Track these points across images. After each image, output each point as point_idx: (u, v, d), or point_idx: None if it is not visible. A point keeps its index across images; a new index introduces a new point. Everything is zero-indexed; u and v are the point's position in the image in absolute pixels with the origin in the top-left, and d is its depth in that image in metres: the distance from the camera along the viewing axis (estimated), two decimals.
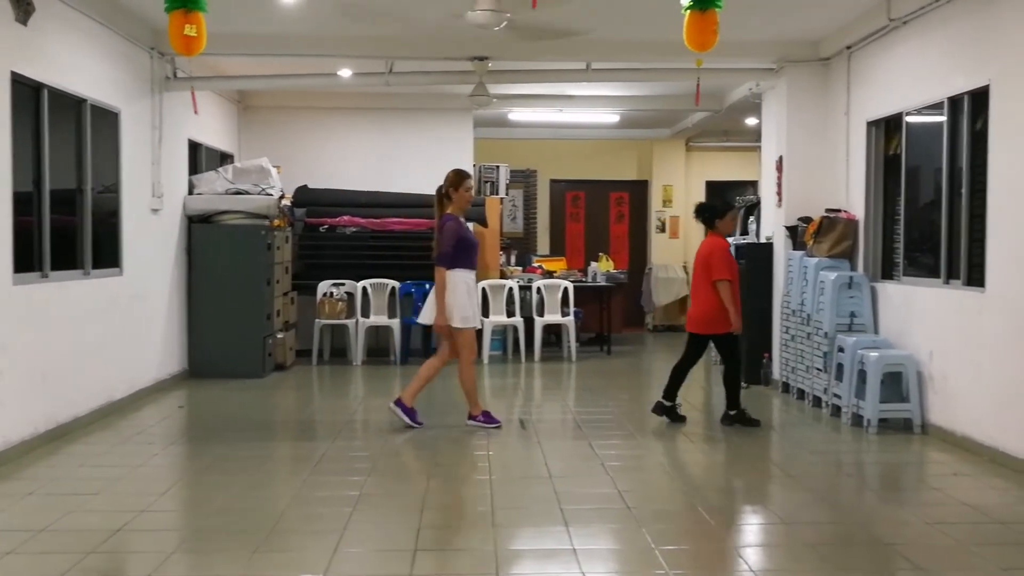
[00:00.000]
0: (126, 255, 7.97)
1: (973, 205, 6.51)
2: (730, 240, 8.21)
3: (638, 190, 15.18)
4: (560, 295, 11.23)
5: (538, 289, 11.29)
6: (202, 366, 9.51)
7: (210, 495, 5.38)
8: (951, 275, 6.78)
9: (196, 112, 8.69)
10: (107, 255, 7.69)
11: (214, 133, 10.51)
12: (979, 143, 6.41)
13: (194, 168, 9.90)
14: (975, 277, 6.45)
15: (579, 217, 15.25)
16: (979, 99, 6.40)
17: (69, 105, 7.05)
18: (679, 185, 14.90)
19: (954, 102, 6.73)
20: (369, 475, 5.73)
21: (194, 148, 9.88)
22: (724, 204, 7.75)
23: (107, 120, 7.66)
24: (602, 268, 12.39)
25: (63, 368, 6.83)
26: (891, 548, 4.45)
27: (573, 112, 12.40)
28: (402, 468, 5.99)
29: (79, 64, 7.13)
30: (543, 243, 14.92)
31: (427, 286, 10.83)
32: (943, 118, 6.84)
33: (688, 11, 5.71)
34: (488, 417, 7.01)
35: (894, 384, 7.07)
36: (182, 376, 9.38)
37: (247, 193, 9.79)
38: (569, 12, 7.76)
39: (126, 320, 7.99)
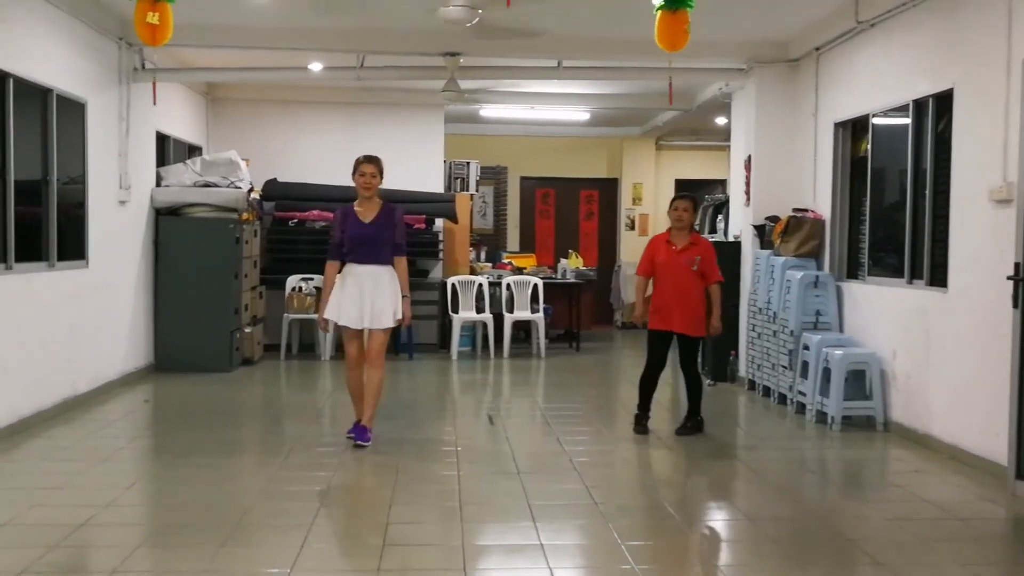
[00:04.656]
0: (92, 247, 7.88)
1: (936, 206, 6.61)
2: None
3: (608, 188, 15.24)
4: (530, 292, 11.25)
5: (508, 286, 11.30)
6: (169, 360, 9.42)
7: (176, 489, 5.34)
8: (914, 275, 6.88)
9: (155, 103, 8.62)
10: (73, 247, 7.60)
11: (182, 125, 10.41)
12: (943, 146, 6.51)
13: (162, 160, 9.80)
14: (938, 277, 6.55)
15: (549, 214, 15.28)
16: (943, 102, 6.50)
17: (35, 95, 6.96)
18: (649, 183, 14.98)
19: (919, 105, 6.83)
20: (336, 470, 5.72)
21: (162, 140, 9.78)
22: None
23: (73, 110, 7.56)
24: (572, 265, 12.44)
25: (26, 361, 6.74)
26: (853, 544, 4.51)
27: (544, 109, 12.42)
28: (370, 463, 5.98)
29: (45, 53, 7.03)
30: (513, 240, 14.93)
31: None
32: (908, 120, 6.94)
33: (659, 10, 5.75)
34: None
35: (858, 382, 7.17)
36: (148, 370, 9.29)
37: (216, 186, 9.71)
38: (542, 9, 7.77)
39: (92, 313, 7.90)
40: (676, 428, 6.95)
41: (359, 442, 6.30)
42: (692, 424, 6.92)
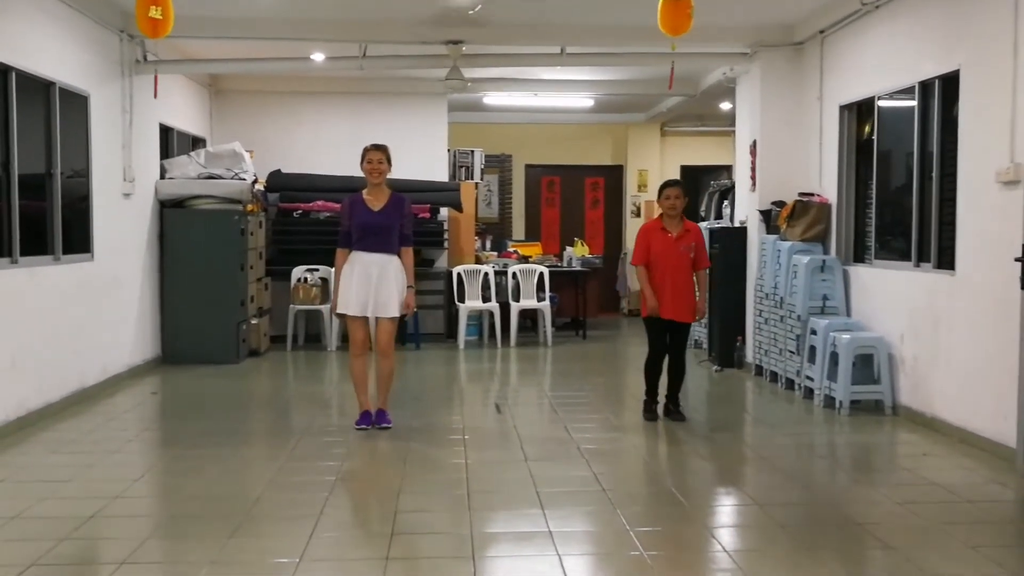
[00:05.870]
0: (97, 240, 7.88)
1: (943, 189, 6.57)
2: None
3: (613, 175, 15.20)
4: (536, 280, 11.23)
5: (514, 274, 11.29)
6: (175, 352, 9.44)
7: (184, 481, 5.35)
8: (922, 258, 6.86)
9: (155, 96, 8.62)
10: (78, 240, 7.60)
11: (185, 117, 10.40)
12: (949, 127, 6.47)
13: (165, 152, 9.79)
14: (945, 260, 6.53)
15: (554, 202, 15.26)
16: (949, 84, 6.45)
17: (37, 88, 6.95)
18: (654, 170, 14.92)
19: (925, 87, 6.79)
20: (345, 460, 5.72)
21: (165, 132, 9.77)
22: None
23: (76, 103, 7.56)
24: (577, 253, 12.41)
25: (33, 354, 6.75)
26: (862, 528, 4.50)
27: (548, 96, 12.38)
28: (377, 453, 5.99)
29: (47, 47, 7.02)
30: (518, 228, 14.91)
31: None
32: (914, 103, 6.90)
33: None
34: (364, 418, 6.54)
35: (865, 366, 7.15)
36: (155, 362, 9.31)
37: (220, 178, 9.71)
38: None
39: (98, 306, 7.91)
40: (673, 415, 6.88)
41: (382, 425, 6.44)
42: (678, 407, 6.92)
